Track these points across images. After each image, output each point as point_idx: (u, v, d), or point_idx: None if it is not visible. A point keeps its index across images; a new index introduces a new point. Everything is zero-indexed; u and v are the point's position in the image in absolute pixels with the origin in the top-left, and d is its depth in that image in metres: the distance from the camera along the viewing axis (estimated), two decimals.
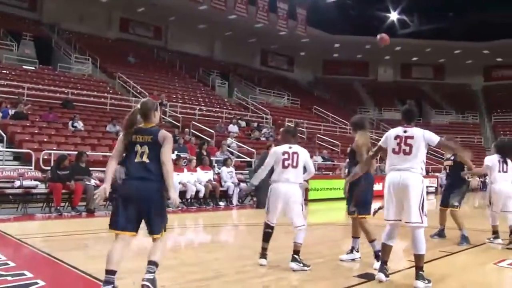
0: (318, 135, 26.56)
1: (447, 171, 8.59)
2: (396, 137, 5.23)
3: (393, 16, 38.17)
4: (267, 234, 6.07)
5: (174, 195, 4.43)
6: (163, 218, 4.57)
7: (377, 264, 5.51)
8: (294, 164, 5.84)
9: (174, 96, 25.57)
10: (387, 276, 5.13)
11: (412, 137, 5.14)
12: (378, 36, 7.18)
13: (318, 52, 43.06)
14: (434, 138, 5.17)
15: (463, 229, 8.01)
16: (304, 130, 27.36)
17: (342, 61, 45.92)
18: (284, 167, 5.83)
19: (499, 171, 7.89)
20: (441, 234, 8.35)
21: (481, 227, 8.62)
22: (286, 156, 5.85)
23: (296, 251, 5.75)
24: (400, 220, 5.16)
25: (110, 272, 4.31)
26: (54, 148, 13.87)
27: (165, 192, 4.39)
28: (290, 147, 5.94)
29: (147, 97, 22.59)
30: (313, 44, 39.94)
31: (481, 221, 9.35)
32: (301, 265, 5.65)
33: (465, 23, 37.15)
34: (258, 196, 13.54)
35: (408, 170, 5.05)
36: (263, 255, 5.98)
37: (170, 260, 6.13)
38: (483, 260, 6.69)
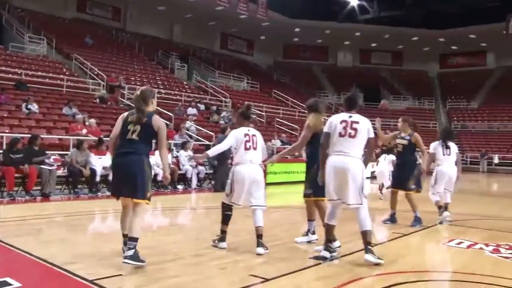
0: (277, 119, 26.68)
1: (400, 149, 8.59)
2: (342, 121, 5.49)
3: (354, 1, 38.48)
4: (227, 216, 6.11)
5: (167, 174, 5.36)
6: (144, 185, 5.05)
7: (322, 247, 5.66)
8: (255, 146, 6.02)
9: (133, 78, 25.15)
10: (331, 253, 5.46)
11: (357, 122, 5.47)
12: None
13: (278, 36, 43.05)
14: (372, 131, 5.55)
15: (417, 211, 8.23)
16: (263, 114, 27.44)
17: (302, 46, 46.11)
18: (246, 149, 5.95)
19: (443, 154, 8.74)
20: (392, 219, 8.38)
21: (434, 209, 8.86)
22: (247, 138, 5.99)
23: (260, 235, 5.79)
24: (341, 200, 5.40)
25: (125, 236, 5.12)
26: (7, 131, 13.46)
27: (147, 167, 5.09)
28: (248, 130, 6.10)
29: (105, 79, 22.28)
30: (274, 28, 39.91)
31: (433, 204, 9.62)
32: (266, 249, 5.72)
33: (422, 11, 37.86)
34: (215, 179, 13.56)
35: (350, 155, 5.37)
36: (223, 238, 6.01)
37: None
38: (434, 240, 6.91)
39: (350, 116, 5.52)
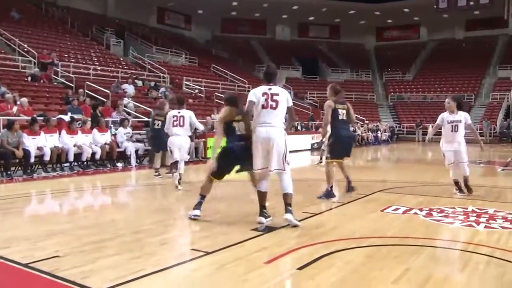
0: (216, 93, 26.52)
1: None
2: (263, 93, 5.82)
3: None
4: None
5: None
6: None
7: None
8: (181, 123, 9.17)
9: (66, 55, 24.20)
10: (266, 218, 5.84)
11: (277, 94, 5.82)
12: None
13: (216, 10, 42.51)
14: (290, 100, 5.93)
15: (330, 184, 8.04)
16: (202, 89, 27.20)
17: (240, 20, 45.78)
18: (173, 126, 9.11)
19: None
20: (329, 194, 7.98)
21: (373, 178, 9.11)
22: (175, 118, 9.20)
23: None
24: (267, 168, 5.70)
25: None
26: None
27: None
28: (179, 112, 9.14)
29: (36, 56, 21.32)
30: (211, 2, 39.46)
31: (372, 173, 9.91)
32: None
33: None
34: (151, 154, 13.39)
35: (273, 126, 5.74)
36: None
37: (64, 224, 5.95)
38: (372, 208, 7.12)
39: (270, 89, 5.83)
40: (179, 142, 9.22)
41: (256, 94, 5.80)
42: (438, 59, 43.03)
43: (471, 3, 37.26)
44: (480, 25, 43.59)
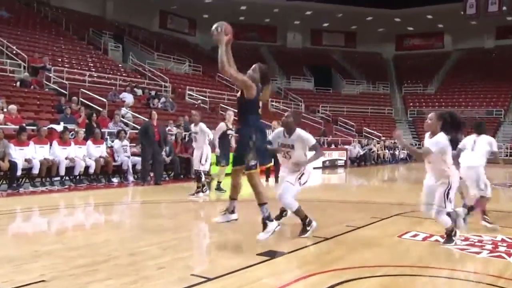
0: (221, 104, 26.60)
1: None
2: None
3: None
4: None
5: None
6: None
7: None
8: None
9: (60, 59, 24.42)
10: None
11: None
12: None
13: (223, 15, 42.48)
14: None
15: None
16: (207, 99, 27.29)
17: (248, 25, 45.95)
18: None
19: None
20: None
21: (389, 200, 9.06)
22: None
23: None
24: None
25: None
26: None
27: None
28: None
29: (26, 59, 21.48)
30: (218, 6, 39.72)
31: (388, 195, 9.87)
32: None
33: None
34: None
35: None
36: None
37: (52, 245, 5.93)
38: (389, 233, 7.06)
39: None
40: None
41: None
42: (464, 70, 42.91)
43: (504, 8, 36.95)
44: None
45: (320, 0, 42.13)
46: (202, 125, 11.27)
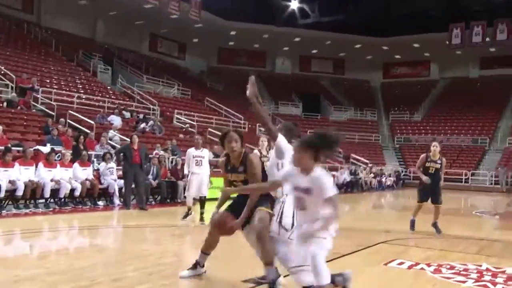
0: (209, 129, 26.60)
1: None
2: None
3: (294, 4, 39.02)
4: None
5: None
6: None
7: None
8: None
9: (48, 80, 24.34)
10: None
11: None
12: None
13: (213, 39, 43.00)
14: None
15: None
16: (195, 123, 27.27)
17: (238, 50, 46.31)
18: None
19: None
20: None
21: (375, 227, 9.05)
22: None
23: None
24: None
25: None
26: None
27: None
28: None
29: (14, 80, 21.38)
30: (208, 31, 39.87)
31: (374, 222, 9.87)
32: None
33: (366, 17, 38.98)
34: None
35: None
36: None
37: (34, 269, 5.85)
38: (374, 261, 7.03)
39: None
40: None
41: None
42: (449, 99, 43.34)
43: (487, 39, 37.90)
44: (496, 63, 43.84)
45: (309, 27, 42.51)
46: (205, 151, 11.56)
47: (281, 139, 5.13)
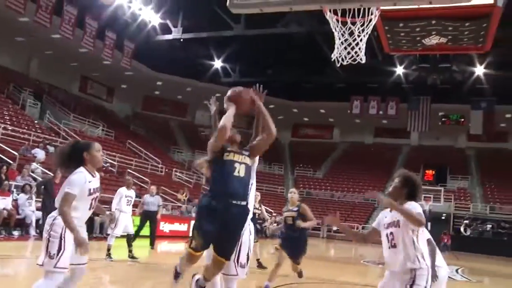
0: (129, 170, 26.05)
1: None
2: None
3: (218, 64, 39.72)
4: None
5: None
6: None
7: None
8: None
9: None
10: None
11: None
12: None
13: (140, 87, 42.64)
14: None
15: None
16: (115, 163, 26.66)
17: (162, 99, 46.07)
18: None
19: None
20: None
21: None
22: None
23: None
24: None
25: None
26: None
27: None
28: None
29: None
30: (136, 78, 39.47)
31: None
32: None
33: (281, 82, 40.31)
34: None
35: None
36: None
37: None
38: None
39: None
40: None
41: None
42: (347, 160, 45.28)
43: (380, 112, 40.36)
44: (387, 133, 47.12)
45: (230, 85, 43.08)
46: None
47: None
